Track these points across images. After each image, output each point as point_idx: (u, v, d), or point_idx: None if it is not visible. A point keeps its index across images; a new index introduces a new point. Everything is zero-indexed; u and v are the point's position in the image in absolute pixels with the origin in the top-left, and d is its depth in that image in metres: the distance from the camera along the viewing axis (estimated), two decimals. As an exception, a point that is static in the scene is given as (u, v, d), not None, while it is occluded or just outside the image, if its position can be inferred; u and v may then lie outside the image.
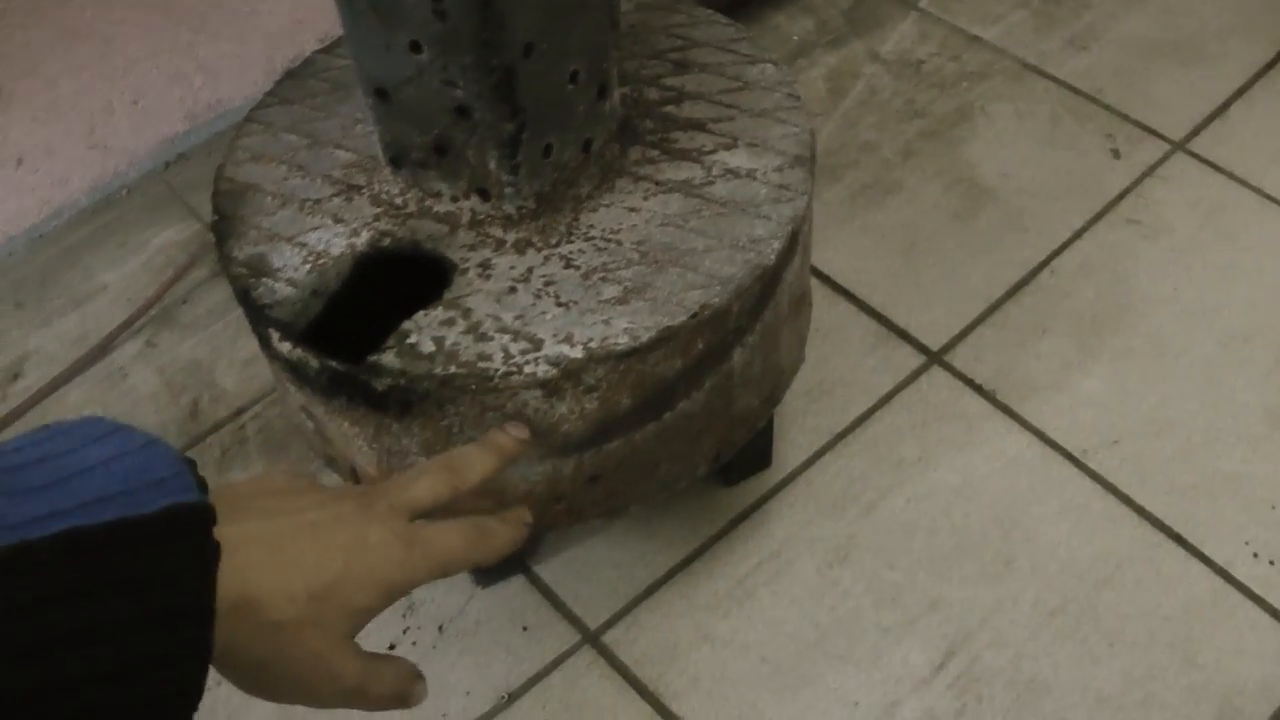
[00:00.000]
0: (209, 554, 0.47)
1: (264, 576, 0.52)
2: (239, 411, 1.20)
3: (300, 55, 1.42)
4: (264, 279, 0.82)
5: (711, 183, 0.87)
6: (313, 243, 0.84)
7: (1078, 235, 1.31)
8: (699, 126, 0.91)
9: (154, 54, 1.34)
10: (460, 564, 0.63)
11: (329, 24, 1.44)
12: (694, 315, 0.79)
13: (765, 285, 0.84)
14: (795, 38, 1.53)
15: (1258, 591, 1.03)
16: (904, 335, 1.23)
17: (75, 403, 1.21)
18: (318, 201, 0.87)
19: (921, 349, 1.21)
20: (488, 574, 1.06)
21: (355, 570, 0.56)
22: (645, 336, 0.78)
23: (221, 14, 1.36)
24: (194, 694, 0.47)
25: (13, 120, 1.28)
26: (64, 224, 1.37)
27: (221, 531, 0.47)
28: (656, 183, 0.87)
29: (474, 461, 0.70)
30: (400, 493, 0.63)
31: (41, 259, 1.35)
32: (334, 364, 0.77)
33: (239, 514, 0.52)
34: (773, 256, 0.83)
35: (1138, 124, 1.42)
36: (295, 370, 0.81)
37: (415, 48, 0.76)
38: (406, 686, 0.62)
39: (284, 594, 0.53)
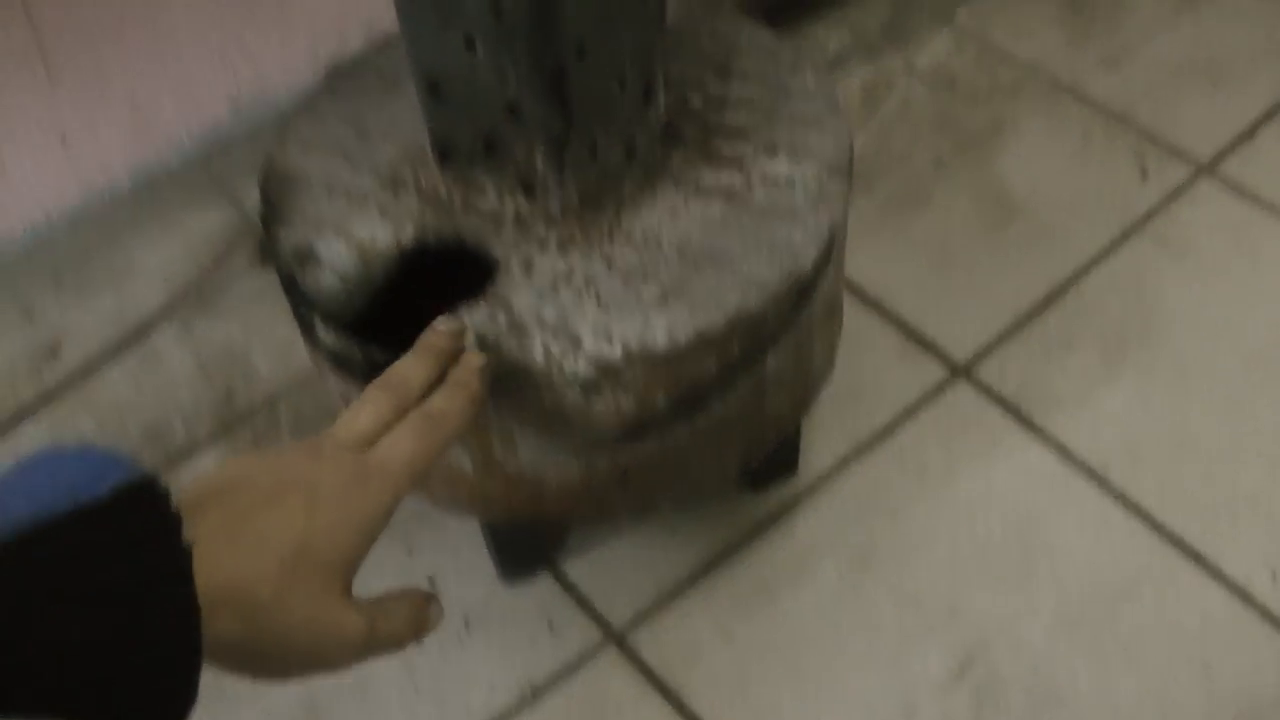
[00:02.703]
0: (170, 520, 0.48)
1: (230, 566, 0.51)
2: (273, 397, 1.21)
3: (346, 46, 1.43)
4: (310, 269, 0.83)
5: (751, 188, 0.88)
6: (359, 235, 0.85)
7: (1105, 253, 1.32)
8: (740, 132, 0.92)
9: (202, 39, 1.35)
10: (425, 461, 0.63)
11: (376, 16, 1.45)
12: (731, 319, 0.80)
13: (801, 291, 0.85)
14: (832, 48, 1.54)
15: (1275, 612, 1.04)
16: (930, 347, 1.24)
17: (111, 382, 1.23)
18: (365, 194, 0.88)
19: (947, 361, 1.22)
20: (514, 573, 1.07)
21: (317, 527, 0.55)
22: (683, 338, 0.79)
23: (270, 1, 1.37)
24: (189, 662, 0.47)
25: (59, 98, 1.29)
26: (105, 204, 1.39)
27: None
28: (697, 186, 0.88)
29: (411, 371, 0.69)
30: (346, 429, 0.63)
31: (82, 238, 1.36)
32: (379, 355, 0.78)
33: (193, 513, 0.51)
34: (809, 263, 0.84)
35: (1167, 144, 1.42)
36: (339, 360, 0.82)
37: (470, 44, 0.77)
38: (419, 614, 0.61)
39: (254, 576, 0.52)
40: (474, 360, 0.72)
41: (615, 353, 0.78)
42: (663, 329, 0.79)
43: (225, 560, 0.51)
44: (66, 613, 0.45)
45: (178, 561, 0.48)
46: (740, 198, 0.87)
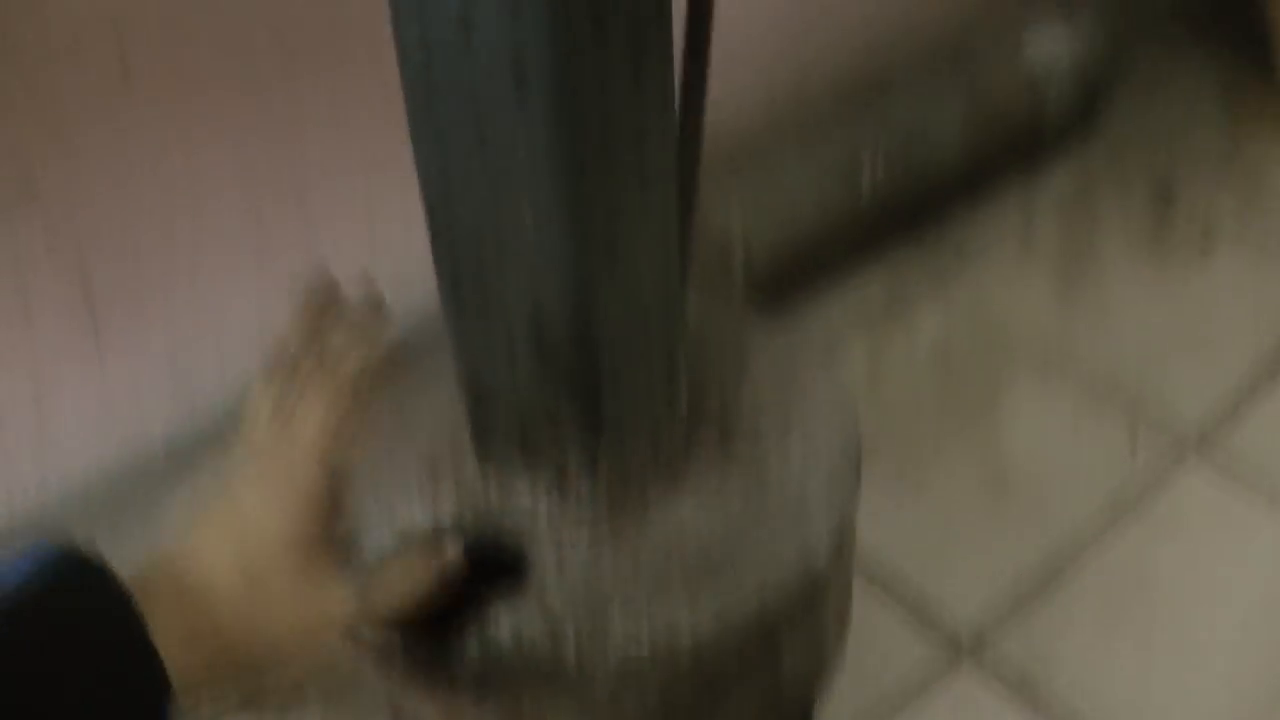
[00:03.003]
0: (95, 563, 0.52)
1: (196, 565, 0.56)
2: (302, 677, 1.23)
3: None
4: (351, 563, 0.88)
5: (766, 486, 0.93)
6: (400, 528, 0.90)
7: (1100, 528, 1.36)
8: (754, 430, 0.97)
9: (241, 303, 1.41)
10: (337, 414, 0.64)
11: (408, 302, 1.51)
12: (750, 616, 0.84)
13: (815, 586, 0.90)
14: (832, 323, 1.62)
15: None
16: (935, 623, 1.27)
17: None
18: (405, 486, 0.93)
19: (952, 639, 1.26)
20: None
21: (254, 526, 0.58)
22: (705, 635, 0.83)
23: (305, 271, 1.44)
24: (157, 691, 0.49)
25: (101, 355, 1.34)
26: (142, 463, 1.42)
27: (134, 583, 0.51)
28: (717, 481, 0.93)
29: (289, 338, 0.71)
30: (252, 426, 0.66)
31: (117, 497, 1.39)
32: (419, 651, 0.83)
33: (139, 585, 0.55)
34: (823, 558, 0.89)
35: (1155, 417, 1.48)
36: (379, 651, 0.86)
37: (512, 358, 0.84)
38: (421, 559, 0.63)
39: (214, 569, 0.56)
40: (364, 305, 0.72)
41: (644, 649, 0.82)
42: (687, 627, 0.83)
43: (176, 620, 0.55)
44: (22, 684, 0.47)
45: (122, 602, 0.52)
46: (756, 495, 0.92)
